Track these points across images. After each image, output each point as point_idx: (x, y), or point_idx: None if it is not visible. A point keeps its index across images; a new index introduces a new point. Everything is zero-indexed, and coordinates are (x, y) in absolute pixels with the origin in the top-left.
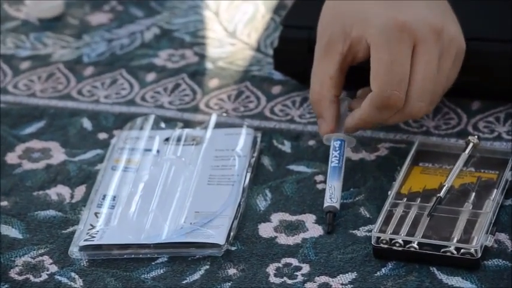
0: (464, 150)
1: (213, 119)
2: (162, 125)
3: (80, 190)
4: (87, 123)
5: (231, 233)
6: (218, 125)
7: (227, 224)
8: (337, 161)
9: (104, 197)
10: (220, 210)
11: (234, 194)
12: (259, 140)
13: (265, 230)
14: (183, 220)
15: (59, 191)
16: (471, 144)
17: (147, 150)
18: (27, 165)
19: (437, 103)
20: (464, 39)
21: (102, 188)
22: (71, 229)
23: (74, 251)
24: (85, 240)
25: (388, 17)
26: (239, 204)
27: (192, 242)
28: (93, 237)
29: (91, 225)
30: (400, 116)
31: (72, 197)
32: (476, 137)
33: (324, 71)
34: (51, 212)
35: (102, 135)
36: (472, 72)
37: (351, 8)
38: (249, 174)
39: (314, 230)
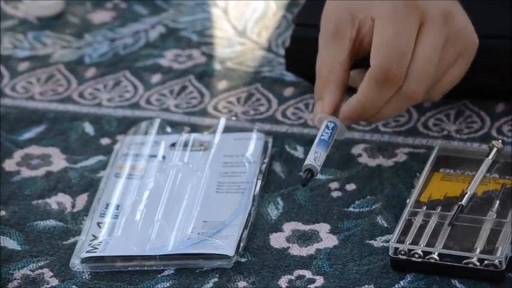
0: (487, 156)
1: (222, 123)
2: (168, 129)
3: (82, 199)
4: (89, 128)
5: (241, 244)
6: (227, 130)
7: (237, 234)
8: (327, 136)
9: (107, 205)
10: (229, 219)
11: (244, 203)
12: (270, 145)
13: (277, 240)
14: (191, 230)
15: (59, 200)
16: (495, 149)
17: (153, 156)
18: (26, 173)
19: (436, 97)
20: (476, 36)
21: (105, 197)
22: (72, 240)
23: (75, 263)
24: (87, 251)
25: None
26: (249, 213)
27: (200, 253)
28: (96, 248)
29: (93, 235)
30: (397, 100)
31: (73, 206)
32: (500, 141)
33: (333, 57)
34: (52, 222)
35: (105, 141)
36: (496, 72)
37: None
38: (259, 182)
39: (328, 240)
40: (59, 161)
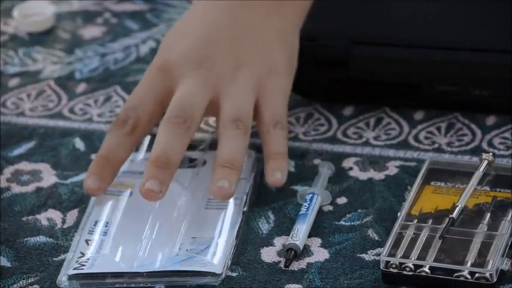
0: (478, 168)
1: (209, 139)
2: None
3: (72, 214)
4: (79, 144)
5: (229, 261)
6: (216, 147)
7: (225, 251)
8: (305, 209)
9: (96, 223)
10: (217, 236)
11: (233, 219)
12: (259, 161)
13: (268, 254)
14: (179, 247)
15: (49, 216)
16: (485, 162)
17: (141, 173)
18: (16, 189)
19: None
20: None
21: (94, 214)
22: (62, 256)
23: (62, 280)
24: (74, 268)
25: None
26: (238, 229)
27: (188, 270)
28: (83, 265)
29: (81, 253)
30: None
31: (63, 222)
32: (491, 154)
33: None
34: (42, 238)
35: None
36: (487, 85)
37: None
38: (248, 198)
39: (319, 254)
40: (49, 177)
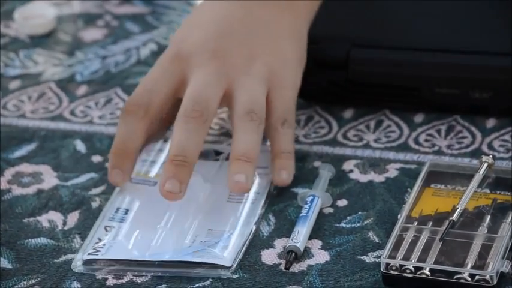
0: (478, 171)
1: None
2: None
3: (73, 216)
4: (80, 146)
5: (240, 255)
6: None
7: (238, 244)
8: (306, 211)
9: (117, 210)
10: (232, 229)
11: (250, 213)
12: None
13: (269, 256)
14: (193, 238)
15: (50, 218)
16: (485, 164)
17: None
18: (17, 191)
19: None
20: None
21: (117, 201)
22: (63, 258)
23: (77, 264)
24: (89, 253)
25: None
26: (255, 224)
27: (198, 262)
28: (98, 251)
29: (98, 238)
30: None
31: (64, 223)
32: (491, 156)
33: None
34: (43, 240)
35: (96, 158)
36: (486, 87)
37: None
38: (270, 191)
39: (320, 256)
40: (50, 179)
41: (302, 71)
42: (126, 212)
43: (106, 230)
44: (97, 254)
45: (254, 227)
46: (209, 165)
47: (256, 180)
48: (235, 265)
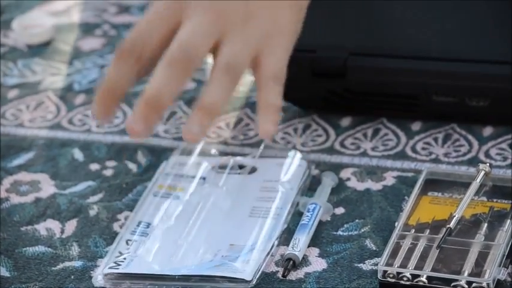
0: (475, 179)
1: (262, 147)
2: (212, 151)
3: (71, 224)
4: (78, 154)
5: (260, 269)
6: (269, 154)
7: (258, 259)
8: (307, 219)
9: (139, 223)
10: (254, 244)
11: (272, 228)
12: (310, 172)
13: (267, 264)
14: (215, 252)
15: (48, 226)
16: (482, 173)
17: (192, 177)
18: (15, 199)
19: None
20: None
21: (139, 214)
22: (61, 266)
23: (98, 278)
24: (110, 267)
25: None
26: (277, 239)
27: (218, 276)
28: (119, 265)
29: (119, 252)
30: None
31: (62, 231)
32: (488, 164)
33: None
34: (40, 248)
35: (94, 166)
36: (483, 96)
37: None
38: (292, 209)
39: (317, 264)
40: (48, 187)
41: (294, 41)
42: (148, 225)
43: (127, 244)
44: (117, 268)
45: (276, 242)
46: (232, 178)
47: (279, 195)
48: (255, 280)
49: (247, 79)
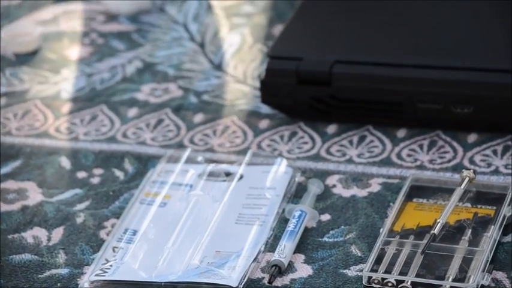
0: (459, 185)
1: (249, 155)
2: (199, 158)
3: (58, 232)
4: (65, 162)
5: (246, 276)
6: (255, 162)
7: (244, 266)
8: (293, 226)
9: (126, 231)
10: (240, 251)
11: (258, 235)
12: (297, 179)
13: (252, 271)
14: (201, 259)
15: (35, 234)
16: (467, 179)
17: (178, 184)
18: (2, 207)
19: None
20: None
21: (126, 222)
22: (47, 273)
23: (84, 286)
24: (96, 275)
25: None
26: (263, 246)
27: (204, 282)
28: (105, 272)
29: (106, 259)
30: None
31: (49, 239)
32: (472, 171)
33: None
34: (27, 256)
35: (81, 174)
36: (468, 103)
37: None
38: (278, 216)
39: (303, 270)
40: (35, 195)
41: None
42: (135, 233)
43: (114, 251)
44: (104, 275)
45: (262, 249)
46: (218, 185)
47: (265, 202)
48: (241, 286)
49: (232, 87)
